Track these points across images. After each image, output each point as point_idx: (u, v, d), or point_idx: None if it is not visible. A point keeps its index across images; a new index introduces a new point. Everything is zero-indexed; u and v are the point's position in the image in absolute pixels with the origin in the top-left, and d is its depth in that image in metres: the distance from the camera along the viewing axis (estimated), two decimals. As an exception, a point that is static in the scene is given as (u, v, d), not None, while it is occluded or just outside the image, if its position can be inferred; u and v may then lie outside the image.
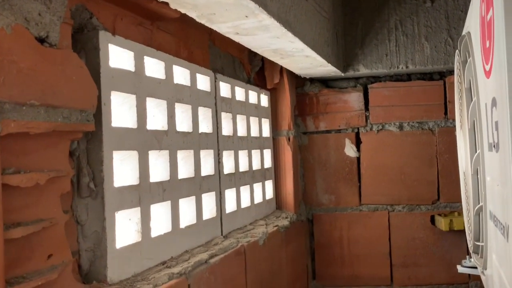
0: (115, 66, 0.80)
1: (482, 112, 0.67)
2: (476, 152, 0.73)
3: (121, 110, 0.84)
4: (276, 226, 1.35)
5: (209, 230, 1.08)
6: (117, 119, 0.81)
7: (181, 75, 1.02)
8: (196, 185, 1.04)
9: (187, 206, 1.01)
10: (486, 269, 0.81)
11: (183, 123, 1.02)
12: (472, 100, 0.74)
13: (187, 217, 1.01)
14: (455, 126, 1.67)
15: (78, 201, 0.73)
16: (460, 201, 1.67)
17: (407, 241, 1.67)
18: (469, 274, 1.64)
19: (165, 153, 0.94)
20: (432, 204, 1.67)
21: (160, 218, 0.92)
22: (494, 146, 0.57)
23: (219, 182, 1.15)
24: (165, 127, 0.94)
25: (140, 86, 0.86)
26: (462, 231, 1.63)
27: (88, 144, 0.75)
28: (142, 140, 0.86)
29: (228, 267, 1.04)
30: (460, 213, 1.63)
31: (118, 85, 0.80)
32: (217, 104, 1.17)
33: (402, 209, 1.68)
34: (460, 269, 1.12)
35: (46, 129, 0.60)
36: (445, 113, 1.67)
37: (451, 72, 1.66)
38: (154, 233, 0.88)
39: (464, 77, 0.78)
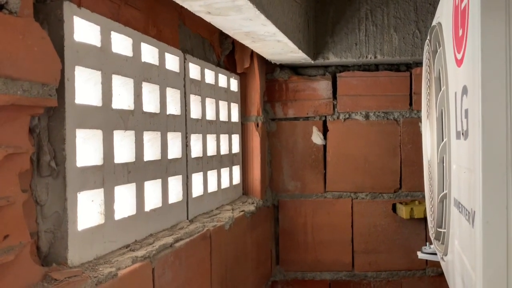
0: (80, 40, 0.76)
1: (451, 101, 0.68)
2: (442, 141, 0.75)
3: (85, 87, 0.80)
4: (242, 211, 1.34)
5: (175, 214, 1.07)
6: (81, 96, 0.77)
7: (149, 53, 0.99)
8: (163, 168, 1.02)
9: (152, 189, 0.99)
10: (446, 254, 0.83)
11: (150, 104, 0.99)
12: (440, 89, 0.75)
13: (152, 200, 0.99)
14: (419, 117, 1.71)
15: (38, 180, 0.69)
16: (421, 190, 1.72)
17: (369, 228, 1.70)
18: (426, 261, 1.70)
19: (130, 134, 0.91)
20: (394, 192, 1.71)
21: (125, 200, 0.89)
22: (462, 134, 0.57)
23: (186, 166, 1.13)
24: (131, 107, 0.91)
25: (106, 62, 0.83)
26: (422, 219, 1.69)
27: (49, 121, 0.71)
28: (107, 119, 0.83)
29: (194, 251, 1.02)
30: (421, 202, 1.68)
31: (83, 60, 0.76)
32: (186, 86, 1.14)
33: (365, 197, 1.71)
34: (420, 255, 1.16)
35: (4, 102, 0.56)
36: (410, 104, 1.71)
37: (418, 64, 1.70)
38: (118, 215, 0.86)
39: (434, 67, 0.79)
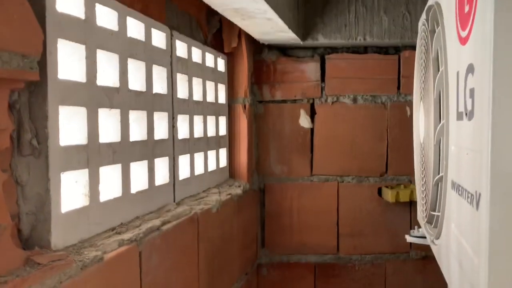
0: (62, 11, 0.71)
1: (451, 82, 0.66)
2: (440, 122, 0.73)
3: (69, 62, 0.75)
4: (229, 194, 1.32)
5: (162, 197, 1.03)
6: (64, 71, 0.73)
7: (135, 28, 0.94)
8: (149, 149, 0.98)
9: (139, 171, 0.95)
10: (438, 238, 0.83)
11: (136, 81, 0.95)
12: (439, 70, 0.73)
13: (138, 182, 0.95)
14: (407, 101, 1.71)
15: (19, 159, 0.65)
16: (407, 174, 1.72)
17: (355, 211, 1.70)
18: (410, 244, 1.71)
19: (116, 112, 0.87)
20: (380, 176, 1.71)
21: (110, 181, 0.86)
22: (466, 114, 0.56)
23: (173, 147, 1.09)
24: (117, 84, 0.87)
25: (90, 36, 0.78)
26: (407, 203, 1.69)
27: (30, 97, 0.66)
28: (91, 96, 0.78)
29: (181, 235, 1.00)
30: (406, 186, 1.69)
31: (66, 33, 0.72)
32: (173, 64, 1.10)
33: (352, 181, 1.70)
34: (408, 238, 1.16)
35: (-19, 74, 0.52)
36: (398, 87, 1.70)
37: (406, 47, 1.68)
38: (103, 197, 0.82)
39: (432, 47, 0.77)
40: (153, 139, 1.00)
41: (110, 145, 0.84)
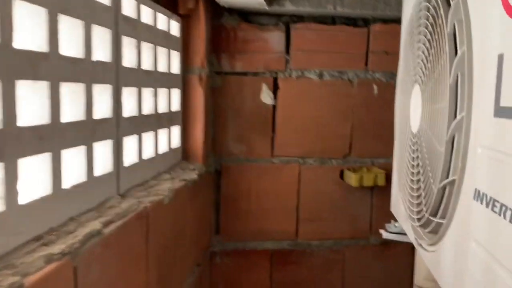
0: None
1: (484, 66, 0.53)
2: (457, 115, 0.60)
3: (-30, 14, 0.54)
4: (183, 180, 1.15)
5: (103, 189, 0.85)
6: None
7: (69, -25, 0.73)
8: (87, 132, 0.78)
9: (73, 160, 0.76)
10: (435, 244, 0.72)
11: (70, 45, 0.74)
12: (458, 50, 0.60)
13: (73, 173, 0.76)
14: (374, 78, 1.59)
15: None
16: (370, 157, 1.63)
17: (316, 195, 1.59)
18: (370, 229, 1.64)
19: (43, 86, 0.66)
20: (343, 158, 1.60)
21: (35, 176, 0.66)
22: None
23: (117, 128, 0.90)
24: (44, 48, 0.66)
25: (3, -21, 0.56)
26: (369, 187, 1.61)
27: None
28: (7, 64, 0.58)
29: (127, 236, 0.82)
30: (369, 169, 1.60)
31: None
32: (119, 25, 0.89)
33: (314, 162, 1.58)
34: (385, 234, 1.05)
35: None
36: (366, 63, 1.58)
37: (376, 20, 1.56)
38: (25, 198, 0.63)
39: (447, 20, 0.63)
40: (92, 119, 0.80)
41: (34, 129, 0.64)
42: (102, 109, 0.85)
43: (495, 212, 0.48)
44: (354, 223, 1.62)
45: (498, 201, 0.47)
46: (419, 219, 0.76)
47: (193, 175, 1.22)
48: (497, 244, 0.47)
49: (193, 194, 1.24)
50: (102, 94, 0.85)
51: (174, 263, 1.11)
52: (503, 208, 0.46)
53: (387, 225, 1.07)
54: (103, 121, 0.84)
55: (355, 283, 1.65)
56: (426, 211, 0.71)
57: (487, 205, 0.50)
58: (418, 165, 0.77)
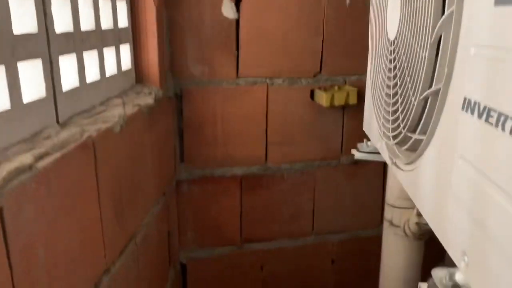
0: None
1: None
2: (445, 11, 0.50)
3: None
4: (137, 105, 1.03)
5: (36, 117, 0.73)
6: None
7: None
8: (6, 50, 0.65)
9: (-10, 83, 0.63)
10: (412, 163, 0.65)
11: None
12: None
13: (-8, 99, 0.63)
14: (347, -13, 1.45)
15: None
16: (342, 74, 1.53)
17: (285, 117, 1.51)
18: (341, 150, 1.59)
19: None
20: (313, 77, 1.50)
21: None
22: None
23: (47, 45, 0.76)
24: None
25: None
26: (340, 107, 1.54)
27: None
28: None
29: (69, 170, 0.72)
30: (340, 88, 1.51)
31: None
32: None
33: (283, 83, 1.48)
34: (357, 154, 0.99)
35: None
36: (337, -30, 1.43)
37: None
38: None
39: None
40: (12, 34, 0.66)
41: None
42: (25, 22, 0.71)
43: (490, 124, 0.40)
44: (325, 144, 1.57)
45: (494, 110, 0.39)
46: (395, 137, 0.68)
47: (149, 100, 1.11)
48: (491, 160, 0.40)
49: (151, 120, 1.13)
50: (23, 5, 0.70)
51: (134, 195, 1.03)
52: (502, 118, 0.38)
53: (359, 145, 1.01)
54: (26, 37, 0.70)
55: (326, 204, 1.63)
56: (404, 127, 0.63)
57: (479, 116, 0.42)
58: (395, 76, 0.68)
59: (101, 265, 0.85)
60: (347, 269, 1.72)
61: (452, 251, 0.50)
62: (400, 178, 0.72)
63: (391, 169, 0.80)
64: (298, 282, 1.68)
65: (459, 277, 0.48)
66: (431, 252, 1.33)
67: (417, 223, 1.03)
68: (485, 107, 0.41)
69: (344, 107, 1.54)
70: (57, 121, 0.79)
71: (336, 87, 1.51)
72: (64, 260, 0.71)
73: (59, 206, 0.69)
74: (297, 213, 1.61)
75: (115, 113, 0.93)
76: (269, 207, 1.58)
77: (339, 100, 1.46)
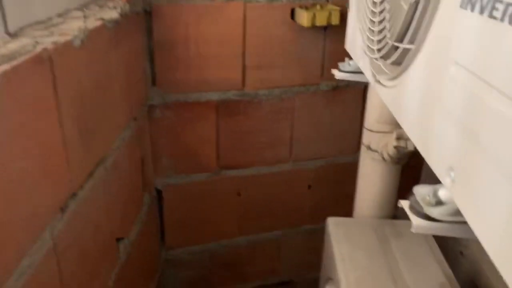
0: None
1: None
2: None
3: None
4: (100, 19, 0.94)
5: (-21, 25, 0.64)
6: None
7: None
8: None
9: None
10: (397, 78, 0.60)
11: None
12: None
13: None
14: None
15: None
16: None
17: (264, 39, 1.43)
18: (321, 75, 1.54)
19: None
20: (294, -6, 1.40)
21: None
22: None
23: None
24: None
25: None
26: (321, 28, 1.46)
27: None
28: None
29: (22, 85, 0.65)
30: (323, 6, 1.42)
31: None
32: None
33: (261, 0, 1.38)
34: (338, 74, 0.94)
35: None
36: None
37: None
38: None
39: None
40: None
41: None
42: None
43: (495, 18, 0.34)
44: (305, 68, 1.51)
45: (501, 1, 0.34)
46: (379, 50, 0.63)
47: (114, 14, 1.01)
48: (491, 61, 0.35)
49: (117, 38, 1.04)
50: None
51: (100, 117, 0.96)
52: (509, 9, 0.32)
53: (340, 64, 0.95)
54: None
55: (305, 131, 1.60)
56: (390, 37, 0.58)
57: (481, 11, 0.37)
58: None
59: (67, 189, 0.80)
60: (323, 194, 1.73)
61: (437, 168, 0.47)
62: (383, 96, 0.67)
63: (374, 88, 0.75)
64: (275, 207, 1.69)
65: (443, 193, 0.45)
66: (405, 180, 1.33)
67: (396, 147, 1.01)
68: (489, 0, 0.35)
69: (326, 28, 1.47)
70: (6, 31, 0.70)
71: (318, 6, 1.42)
72: (23, 183, 0.66)
73: (13, 126, 0.63)
74: (275, 140, 1.59)
75: (74, 26, 0.84)
76: (246, 134, 1.55)
77: (320, 20, 1.37)
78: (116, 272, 1.08)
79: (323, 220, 1.25)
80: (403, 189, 1.05)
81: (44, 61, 0.71)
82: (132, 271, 1.21)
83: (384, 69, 0.63)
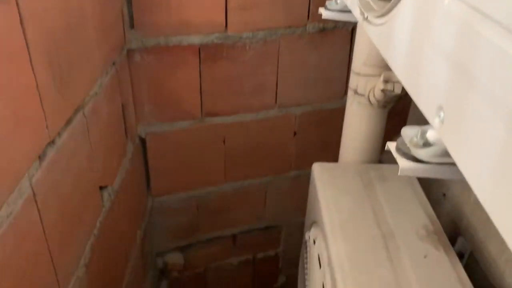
0: None
1: None
2: None
3: None
4: (68, -47, 0.86)
5: None
6: None
7: None
8: None
9: None
10: (386, 15, 0.57)
11: None
12: None
13: None
14: None
15: None
16: None
17: (247, -22, 1.36)
18: (308, 17, 1.48)
19: None
20: None
21: None
22: None
23: None
24: None
25: None
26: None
27: None
28: None
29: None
30: None
31: None
32: None
33: None
34: (325, 13, 0.89)
35: None
36: None
37: None
38: None
39: None
40: None
41: None
42: None
43: None
44: (291, 9, 1.45)
45: None
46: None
47: None
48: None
49: (88, -25, 0.97)
50: None
51: (75, 61, 0.91)
52: None
53: (327, 3, 0.91)
54: None
55: (290, 76, 1.57)
56: (381, -31, 0.54)
57: None
58: None
59: (43, 136, 0.77)
60: (309, 141, 1.73)
61: (426, 108, 0.45)
62: (371, 35, 0.64)
63: (362, 27, 0.71)
64: (260, 154, 1.69)
65: (431, 134, 0.44)
66: (391, 127, 1.32)
67: (383, 90, 0.99)
68: None
69: (312, -33, 1.40)
70: (-38, -35, 0.64)
71: None
72: (-7, 129, 0.63)
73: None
74: (259, 86, 1.55)
75: (40, -40, 0.77)
76: (230, 80, 1.51)
77: (306, -42, 1.30)
78: (101, 220, 1.07)
79: (309, 166, 1.24)
80: (389, 137, 1.04)
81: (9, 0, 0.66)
82: (117, 219, 1.21)
83: (373, 5, 0.60)
